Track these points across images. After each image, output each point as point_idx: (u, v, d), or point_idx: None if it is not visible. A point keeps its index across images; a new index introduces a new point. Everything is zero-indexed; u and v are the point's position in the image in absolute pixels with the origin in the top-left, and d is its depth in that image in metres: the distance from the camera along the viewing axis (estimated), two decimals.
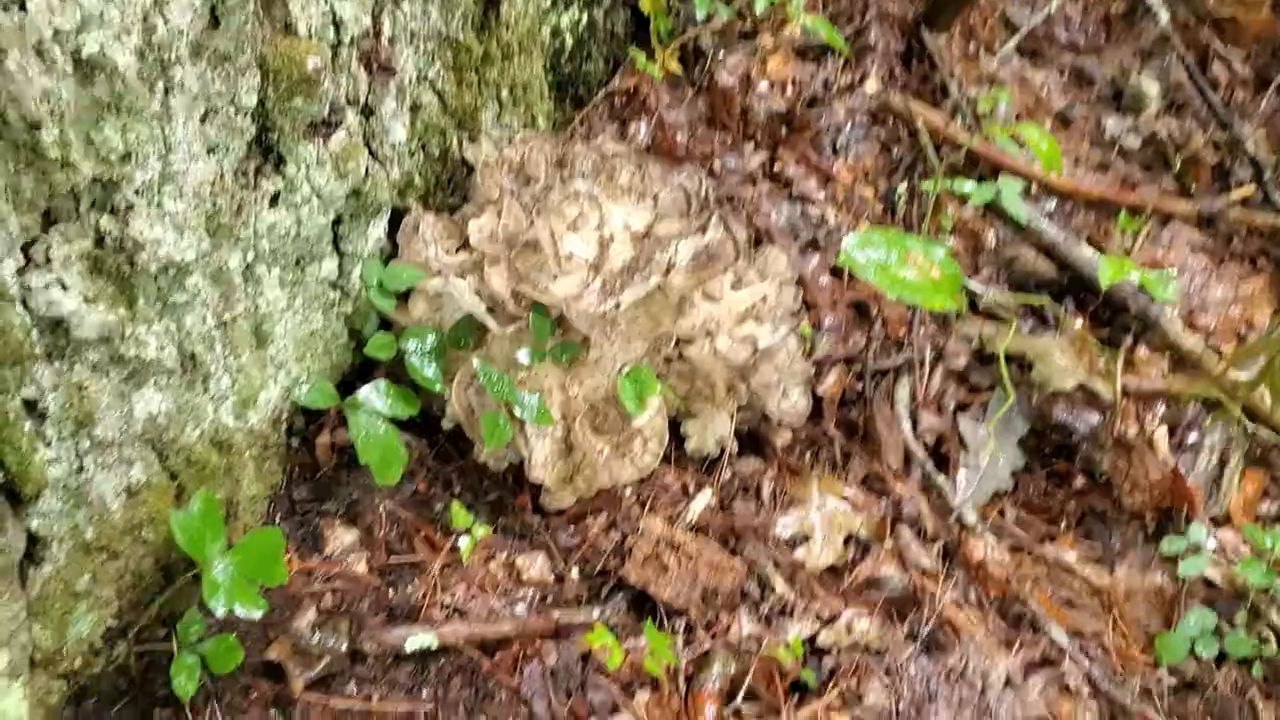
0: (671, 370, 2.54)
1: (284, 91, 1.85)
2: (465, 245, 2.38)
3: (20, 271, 1.52)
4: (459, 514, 2.29)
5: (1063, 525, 2.79)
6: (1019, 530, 2.75)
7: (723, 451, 2.61)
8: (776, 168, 3.18)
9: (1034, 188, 3.28)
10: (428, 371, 2.29)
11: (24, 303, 1.53)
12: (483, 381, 2.23)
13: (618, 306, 2.22)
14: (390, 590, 2.22)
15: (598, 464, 2.38)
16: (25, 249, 1.53)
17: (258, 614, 1.87)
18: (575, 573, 2.36)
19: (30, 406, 1.59)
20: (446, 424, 2.41)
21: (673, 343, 2.41)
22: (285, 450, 2.28)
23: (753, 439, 2.71)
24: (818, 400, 2.75)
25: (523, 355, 2.28)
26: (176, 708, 1.96)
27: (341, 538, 2.26)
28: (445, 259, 2.33)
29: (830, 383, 2.81)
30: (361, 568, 2.24)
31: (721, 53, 3.24)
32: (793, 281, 2.63)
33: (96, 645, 1.89)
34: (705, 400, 2.58)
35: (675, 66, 3.16)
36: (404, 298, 2.36)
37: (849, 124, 3.27)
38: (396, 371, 2.32)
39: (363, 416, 2.22)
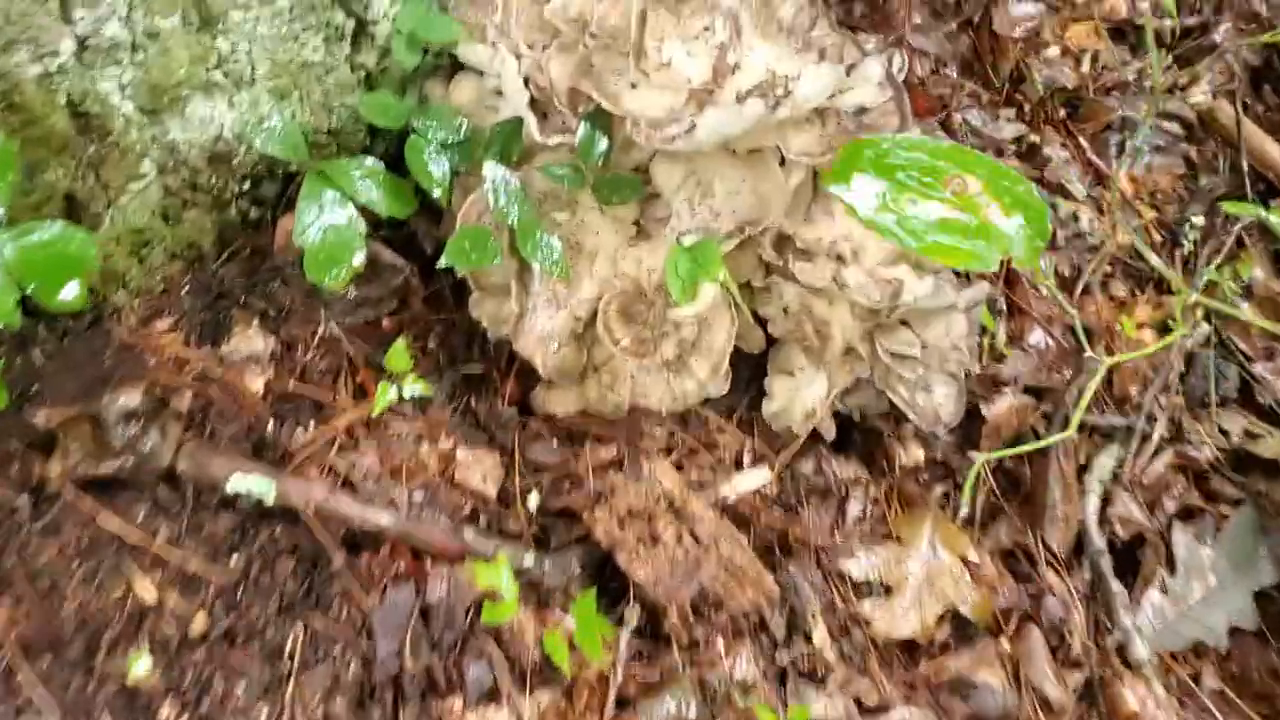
0: (775, 295, 1.81)
1: None
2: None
3: None
4: (398, 355, 1.64)
5: None
6: (1213, 706, 1.81)
7: (811, 431, 1.84)
8: (1034, 143, 2.38)
9: None
10: (433, 167, 1.66)
11: None
12: (490, 190, 1.58)
13: (692, 128, 1.51)
14: (273, 423, 1.59)
15: (619, 369, 1.68)
16: None
17: None
18: (532, 500, 1.65)
19: None
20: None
21: (770, 242, 1.68)
22: (237, 214, 1.71)
23: (863, 434, 1.92)
24: (975, 418, 1.93)
25: (556, 170, 1.61)
26: None
27: (250, 342, 1.66)
28: (512, 30, 1.71)
29: (1003, 408, 1.98)
30: (254, 384, 1.62)
31: None
32: None
33: None
34: (808, 352, 1.82)
35: None
36: (452, 75, 1.76)
37: (1151, 128, 2.42)
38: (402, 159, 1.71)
39: (327, 191, 1.62)
